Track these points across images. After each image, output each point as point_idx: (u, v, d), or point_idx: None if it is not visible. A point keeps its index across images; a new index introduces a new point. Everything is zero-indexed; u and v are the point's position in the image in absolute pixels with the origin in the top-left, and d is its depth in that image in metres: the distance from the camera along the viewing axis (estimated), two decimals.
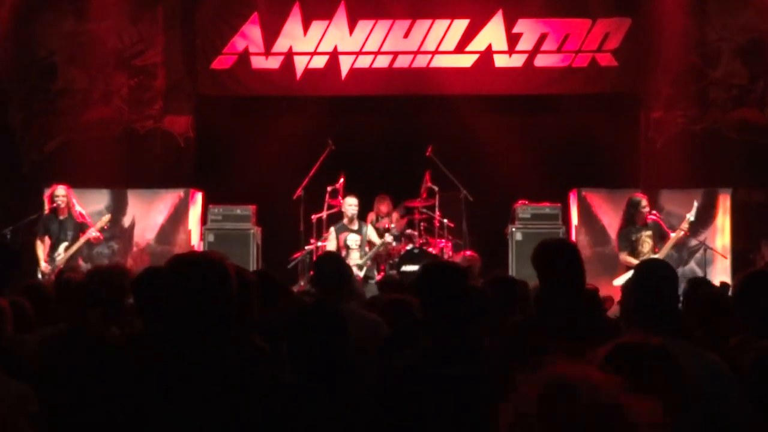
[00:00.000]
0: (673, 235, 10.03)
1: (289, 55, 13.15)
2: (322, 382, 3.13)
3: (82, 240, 10.23)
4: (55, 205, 10.33)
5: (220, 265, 2.66)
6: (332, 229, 11.10)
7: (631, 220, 9.97)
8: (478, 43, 13.04)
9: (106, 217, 10.69)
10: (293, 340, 3.28)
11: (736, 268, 11.08)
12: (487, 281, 5.70)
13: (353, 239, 10.98)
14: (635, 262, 9.17)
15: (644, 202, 10.02)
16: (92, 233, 10.22)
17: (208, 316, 2.58)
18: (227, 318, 2.62)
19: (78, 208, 10.43)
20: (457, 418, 3.31)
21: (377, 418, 3.14)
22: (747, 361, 3.10)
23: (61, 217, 10.32)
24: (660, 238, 9.93)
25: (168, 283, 2.65)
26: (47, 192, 10.63)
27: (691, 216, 10.21)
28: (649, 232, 9.89)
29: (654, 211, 10.22)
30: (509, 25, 12.99)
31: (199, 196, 12.07)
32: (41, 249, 10.37)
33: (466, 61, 13.08)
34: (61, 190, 10.33)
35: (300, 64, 13.16)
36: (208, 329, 2.58)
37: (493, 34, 13.02)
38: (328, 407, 3.07)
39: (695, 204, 10.45)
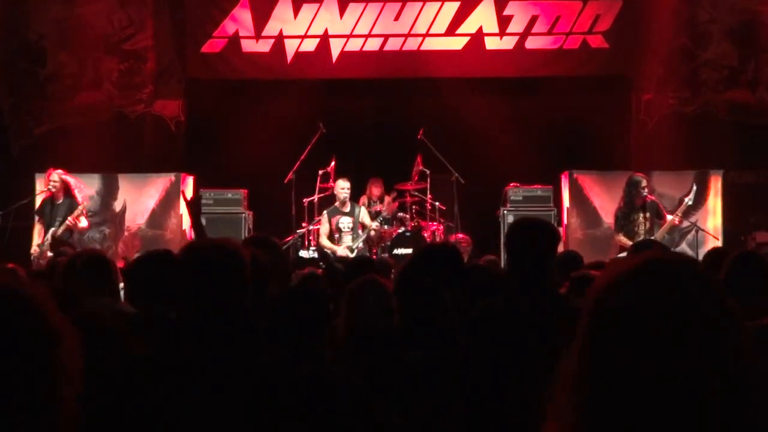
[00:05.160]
0: (670, 218, 10.04)
1: (280, 39, 13.10)
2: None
3: (63, 226, 10.20)
4: (47, 189, 10.34)
5: (235, 253, 2.64)
6: (324, 212, 11.09)
7: (631, 201, 9.96)
8: (469, 26, 13.00)
9: (81, 206, 10.50)
10: (274, 320, 3.26)
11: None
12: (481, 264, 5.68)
13: (345, 222, 10.97)
14: (630, 243, 9.16)
15: (644, 182, 10.01)
16: (70, 220, 10.15)
17: (223, 305, 2.57)
18: (241, 307, 2.61)
19: (77, 192, 10.40)
20: (422, 403, 3.30)
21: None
22: None
23: (57, 202, 10.32)
24: (657, 217, 9.93)
25: (184, 271, 2.64)
26: (44, 177, 10.59)
27: (689, 200, 10.22)
28: (646, 213, 9.88)
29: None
30: (500, 7, 12.96)
31: (190, 180, 12.02)
32: (37, 232, 10.40)
33: (457, 43, 13.05)
34: (55, 176, 10.32)
35: (290, 47, 13.11)
36: (223, 318, 2.57)
37: (483, 16, 12.98)
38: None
39: (694, 188, 10.46)
